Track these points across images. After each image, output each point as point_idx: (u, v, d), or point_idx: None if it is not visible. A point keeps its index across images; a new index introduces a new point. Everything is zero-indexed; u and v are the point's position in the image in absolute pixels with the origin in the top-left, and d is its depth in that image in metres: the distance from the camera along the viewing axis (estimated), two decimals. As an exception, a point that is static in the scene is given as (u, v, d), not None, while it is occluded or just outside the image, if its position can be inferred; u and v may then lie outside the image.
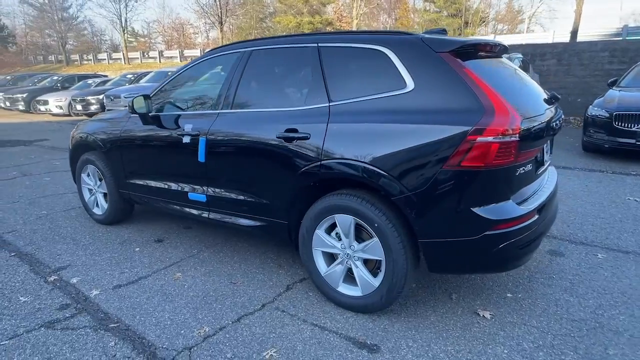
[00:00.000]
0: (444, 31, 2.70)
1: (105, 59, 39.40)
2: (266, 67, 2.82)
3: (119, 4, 38.56)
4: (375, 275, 2.35)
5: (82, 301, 2.63)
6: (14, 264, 3.17)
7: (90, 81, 16.75)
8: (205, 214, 3.09)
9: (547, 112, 2.38)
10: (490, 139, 1.94)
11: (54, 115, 14.79)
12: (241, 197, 2.82)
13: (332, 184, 2.45)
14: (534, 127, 2.12)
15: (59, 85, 17.49)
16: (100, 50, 49.75)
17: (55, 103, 14.51)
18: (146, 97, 3.28)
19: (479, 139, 1.95)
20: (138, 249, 3.44)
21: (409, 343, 2.18)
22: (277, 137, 2.53)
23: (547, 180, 2.68)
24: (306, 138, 2.42)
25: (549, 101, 2.55)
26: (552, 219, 2.60)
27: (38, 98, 15.24)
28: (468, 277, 2.86)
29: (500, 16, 44.39)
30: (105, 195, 3.90)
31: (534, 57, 11.07)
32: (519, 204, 2.16)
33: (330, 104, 2.42)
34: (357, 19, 27.16)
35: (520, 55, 9.40)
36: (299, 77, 2.66)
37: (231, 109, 2.86)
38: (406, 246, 2.18)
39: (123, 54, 37.98)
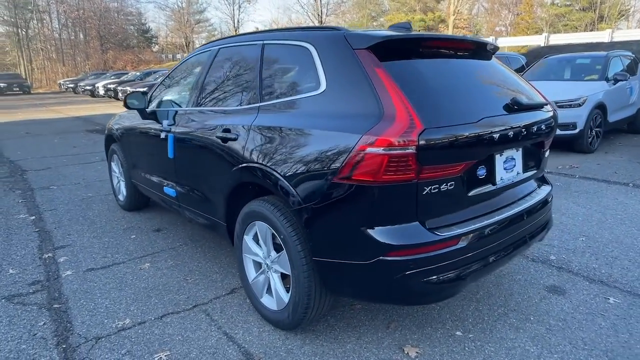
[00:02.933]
0: (408, 25, 2.36)
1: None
2: (225, 65, 2.79)
3: (232, 6, 41.76)
4: (288, 290, 2.18)
5: (52, 280, 2.92)
6: (30, 239, 3.64)
7: (154, 74, 20.03)
8: (178, 208, 3.20)
9: (500, 120, 1.94)
10: (380, 150, 1.65)
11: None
12: (198, 195, 2.84)
13: (263, 189, 2.33)
14: (452, 138, 1.74)
15: (139, 77, 20.96)
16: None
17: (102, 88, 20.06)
18: (144, 93, 3.48)
19: (369, 149, 1.67)
20: (134, 236, 3.69)
21: (303, 370, 1.99)
22: (216, 137, 2.49)
23: (521, 200, 2.20)
24: (235, 139, 2.34)
25: (523, 107, 2.07)
26: (517, 249, 2.14)
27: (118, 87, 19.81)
28: (423, 305, 2.49)
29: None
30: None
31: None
32: (437, 228, 1.81)
33: (260, 105, 2.30)
34: (453, 14, 25.34)
35: (629, 53, 7.90)
36: (245, 76, 2.58)
37: (194, 106, 2.89)
38: (309, 262, 1.98)
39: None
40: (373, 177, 1.68)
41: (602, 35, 17.49)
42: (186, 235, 3.65)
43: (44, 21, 41.48)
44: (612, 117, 6.66)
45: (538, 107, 2.22)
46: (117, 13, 43.22)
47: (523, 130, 2.04)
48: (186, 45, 48.67)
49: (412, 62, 1.94)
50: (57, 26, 41.52)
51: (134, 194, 4.12)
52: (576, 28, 32.89)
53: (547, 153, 2.47)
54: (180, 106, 3.11)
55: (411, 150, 1.64)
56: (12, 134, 10.58)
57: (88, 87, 25.12)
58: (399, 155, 1.64)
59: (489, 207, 2.03)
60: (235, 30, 43.35)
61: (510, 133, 1.96)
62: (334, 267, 1.87)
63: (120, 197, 4.40)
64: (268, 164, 2.07)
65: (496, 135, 1.88)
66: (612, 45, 10.48)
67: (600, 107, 6.29)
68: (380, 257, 1.74)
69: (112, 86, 21.60)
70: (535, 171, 2.35)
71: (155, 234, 3.73)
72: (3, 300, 2.65)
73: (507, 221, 2.05)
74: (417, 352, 2.08)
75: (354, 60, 1.88)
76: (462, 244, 1.83)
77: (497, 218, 2.00)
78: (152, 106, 3.46)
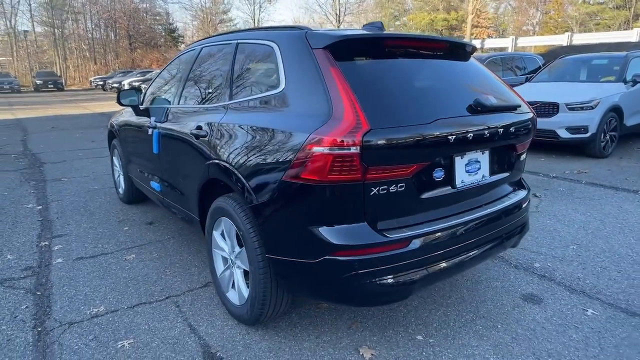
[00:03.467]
0: (379, 24, 2.35)
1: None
2: (204, 64, 2.85)
3: (253, 5, 42.26)
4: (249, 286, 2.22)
5: (43, 267, 3.05)
6: (32, 228, 3.81)
7: None
8: (162, 202, 3.28)
9: (459, 122, 1.91)
10: (325, 149, 1.66)
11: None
12: (177, 189, 2.92)
13: (228, 185, 2.38)
14: (400, 139, 1.72)
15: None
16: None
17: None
18: (137, 89, 3.60)
19: (315, 148, 1.68)
20: (127, 228, 3.81)
21: (256, 365, 2.01)
22: (190, 134, 2.55)
23: (488, 204, 2.16)
24: (205, 136, 2.39)
25: (487, 109, 2.03)
26: (483, 254, 2.10)
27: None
28: (389, 307, 2.48)
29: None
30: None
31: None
32: (387, 230, 1.80)
33: (229, 103, 2.35)
34: (472, 14, 24.67)
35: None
36: (219, 75, 2.62)
37: (177, 104, 2.97)
38: (265, 259, 2.00)
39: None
40: (319, 177, 1.68)
41: (629, 35, 16.71)
42: (175, 229, 3.74)
43: (79, 22, 43.09)
44: (630, 121, 6.38)
45: (507, 109, 2.17)
46: (146, 13, 44.40)
47: (487, 132, 1.99)
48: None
49: (369, 62, 1.94)
50: (90, 26, 43.05)
51: (131, 187, 4.26)
52: (609, 27, 31.56)
53: (522, 156, 2.41)
54: (168, 103, 3.19)
55: (355, 150, 1.64)
56: (40, 128, 11.07)
57: (115, 85, 25.99)
58: (343, 155, 1.65)
59: (449, 211, 2.00)
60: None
61: (471, 135, 1.93)
62: (285, 264, 1.89)
63: (120, 190, 4.55)
64: (229, 162, 2.11)
65: (452, 137, 1.85)
66: (638, 45, 10.00)
67: (616, 110, 6.04)
68: (326, 257, 1.75)
69: (136, 83, 22.31)
70: (506, 175, 2.29)
71: (147, 226, 3.84)
72: (-6, 284, 2.80)
73: (469, 225, 2.01)
74: (372, 354, 2.08)
75: (311, 60, 1.89)
76: (412, 246, 1.81)
77: (456, 221, 1.97)
78: (146, 103, 3.56)
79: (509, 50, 19.56)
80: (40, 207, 4.42)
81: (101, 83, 30.54)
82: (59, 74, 35.07)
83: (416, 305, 2.51)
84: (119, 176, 4.59)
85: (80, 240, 3.52)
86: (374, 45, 1.99)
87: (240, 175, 2.02)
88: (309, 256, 1.79)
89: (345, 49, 1.89)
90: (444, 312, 2.44)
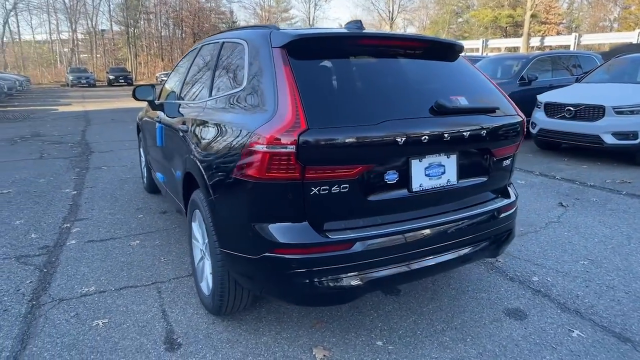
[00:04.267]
0: (358, 24, 2.31)
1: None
2: (200, 62, 2.96)
3: (308, 3, 42.61)
4: (216, 277, 2.28)
5: (57, 247, 3.34)
6: (61, 211, 4.18)
7: None
8: (164, 191, 3.46)
9: (415, 124, 1.83)
10: (264, 147, 1.67)
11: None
12: (171, 181, 3.07)
13: None
14: (340, 139, 1.68)
15: None
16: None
17: None
18: (152, 85, 3.80)
19: (256, 146, 1.70)
20: (142, 215, 4.06)
21: (210, 353, 2.07)
22: (177, 128, 2.67)
23: (457, 211, 2.05)
24: (186, 131, 2.49)
25: (449, 111, 1.92)
26: (449, 261, 2.01)
27: None
28: (358, 309, 2.44)
29: None
30: (149, 167, 4.69)
31: None
32: (331, 230, 1.77)
33: (207, 100, 2.43)
34: (530, 10, 22.94)
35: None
36: (207, 72, 2.71)
37: (177, 99, 3.11)
38: (221, 253, 2.05)
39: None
40: (258, 174, 1.70)
41: None
42: (183, 219, 3.90)
43: (151, 21, 46.07)
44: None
45: (479, 111, 2.04)
46: (211, 12, 46.42)
47: (448, 136, 1.89)
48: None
49: (326, 62, 1.91)
50: (159, 25, 45.84)
51: (150, 177, 4.52)
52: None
53: (506, 162, 2.25)
54: (173, 99, 3.35)
55: (291, 149, 1.64)
56: (102, 119, 12.03)
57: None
58: (280, 154, 1.65)
59: (405, 215, 1.92)
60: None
61: (428, 138, 1.84)
62: (234, 259, 1.93)
63: (144, 180, 4.84)
64: (196, 157, 2.19)
65: (402, 140, 1.78)
66: None
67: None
68: (266, 254, 1.76)
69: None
70: (482, 180, 2.16)
71: (160, 215, 4.06)
72: (13, 259, 3.11)
73: (427, 231, 1.93)
74: (324, 355, 2.06)
75: (269, 58, 1.91)
76: (356, 249, 1.78)
77: (411, 226, 1.89)
78: (162, 98, 3.76)
79: (572, 49, 18.10)
80: (75, 192, 4.82)
81: (165, 78, 32.36)
82: (129, 70, 37.72)
83: (389, 310, 2.45)
84: (143, 166, 4.89)
85: (97, 225, 3.80)
86: (334, 44, 1.96)
87: (202, 170, 2.09)
88: (252, 252, 1.81)
89: (302, 48, 1.88)
90: (415, 320, 2.36)
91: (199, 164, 2.15)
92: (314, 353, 2.08)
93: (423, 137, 1.83)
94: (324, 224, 1.79)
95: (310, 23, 44.68)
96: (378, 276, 1.84)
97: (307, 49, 1.90)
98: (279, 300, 2.31)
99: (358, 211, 1.83)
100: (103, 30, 44.69)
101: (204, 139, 2.17)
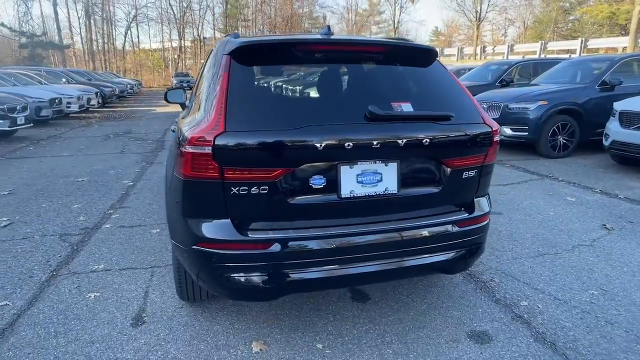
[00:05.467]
0: (326, 30, 2.34)
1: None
2: (204, 69, 3.20)
3: (394, 6, 41.83)
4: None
5: (94, 229, 3.85)
6: (113, 198, 4.79)
7: None
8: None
9: (339, 129, 1.83)
10: (189, 147, 1.82)
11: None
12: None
13: None
14: (255, 142, 1.75)
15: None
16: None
17: None
18: (183, 89, 4.20)
19: (186, 147, 1.86)
20: (158, 207, 4.47)
21: (164, 333, 2.28)
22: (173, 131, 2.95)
23: (397, 221, 2.00)
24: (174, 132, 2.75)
25: (381, 118, 1.87)
26: (386, 272, 1.98)
27: None
28: (316, 311, 2.46)
29: None
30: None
31: None
32: (252, 229, 1.86)
33: (190, 104, 2.65)
34: (638, 4, 19.49)
35: None
36: (200, 79, 2.93)
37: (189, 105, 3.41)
38: (172, 243, 2.24)
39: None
40: (185, 172, 1.85)
41: None
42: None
43: (249, 28, 49.33)
44: None
45: (426, 118, 1.95)
46: (304, 18, 48.21)
47: (375, 143, 1.85)
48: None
49: (264, 68, 2.00)
50: (255, 32, 48.86)
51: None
52: None
53: (467, 173, 2.11)
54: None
55: (208, 150, 1.76)
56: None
57: (265, 84, 28.78)
58: (200, 154, 1.78)
59: (334, 221, 1.93)
60: (394, 31, 43.18)
61: (355, 144, 1.82)
62: (177, 249, 2.11)
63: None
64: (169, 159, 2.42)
65: (323, 145, 1.79)
66: None
67: None
68: (193, 246, 1.91)
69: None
70: (433, 191, 2.05)
71: (189, 208, 4.44)
72: (57, 236, 3.68)
73: (359, 238, 1.91)
74: (260, 349, 2.14)
75: (217, 65, 2.05)
76: (274, 249, 1.84)
77: (338, 232, 1.90)
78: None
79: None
80: (131, 183, 5.47)
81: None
82: (191, 75, 39.32)
83: (347, 316, 2.44)
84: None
85: (134, 213, 4.29)
86: (277, 51, 2.04)
87: (165, 169, 2.31)
88: (186, 244, 1.97)
89: (244, 54, 1.99)
90: (368, 328, 2.32)
91: (166, 163, 2.37)
92: (251, 346, 2.17)
93: (347, 144, 1.82)
94: (250, 223, 1.88)
95: (395, 26, 43.99)
96: (296, 278, 1.88)
97: (249, 56, 2.01)
98: (210, 291, 2.44)
99: (281, 213, 1.89)
100: (205, 38, 48.92)
101: (173, 141, 2.40)
